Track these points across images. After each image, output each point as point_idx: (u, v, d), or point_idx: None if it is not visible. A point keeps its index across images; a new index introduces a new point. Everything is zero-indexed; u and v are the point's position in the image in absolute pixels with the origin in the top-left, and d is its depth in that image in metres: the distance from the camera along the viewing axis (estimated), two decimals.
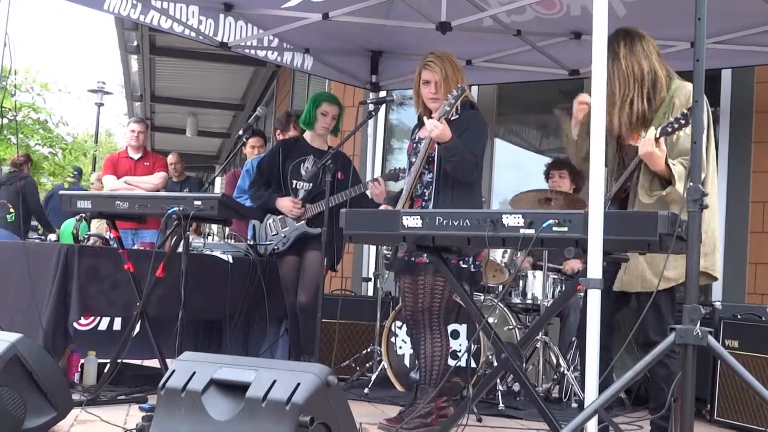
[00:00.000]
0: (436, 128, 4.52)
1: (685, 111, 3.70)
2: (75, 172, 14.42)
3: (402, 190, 4.94)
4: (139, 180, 7.95)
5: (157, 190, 7.81)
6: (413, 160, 4.80)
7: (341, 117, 6.02)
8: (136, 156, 8.09)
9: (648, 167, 3.84)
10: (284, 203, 5.83)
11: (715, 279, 3.96)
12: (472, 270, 4.73)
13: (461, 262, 4.62)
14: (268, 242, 5.93)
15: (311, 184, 5.86)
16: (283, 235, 5.86)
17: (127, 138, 8.16)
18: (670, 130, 3.70)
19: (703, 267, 3.74)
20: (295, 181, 5.90)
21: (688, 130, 3.74)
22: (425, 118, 4.66)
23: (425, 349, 4.68)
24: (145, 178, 7.97)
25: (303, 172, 5.88)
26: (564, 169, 6.51)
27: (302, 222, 5.82)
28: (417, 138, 4.88)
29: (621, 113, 3.92)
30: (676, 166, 3.75)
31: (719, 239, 3.99)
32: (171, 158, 9.85)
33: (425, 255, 4.48)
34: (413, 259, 4.63)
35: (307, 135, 6.04)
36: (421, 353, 4.70)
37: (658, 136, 3.71)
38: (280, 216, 5.88)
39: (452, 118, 4.62)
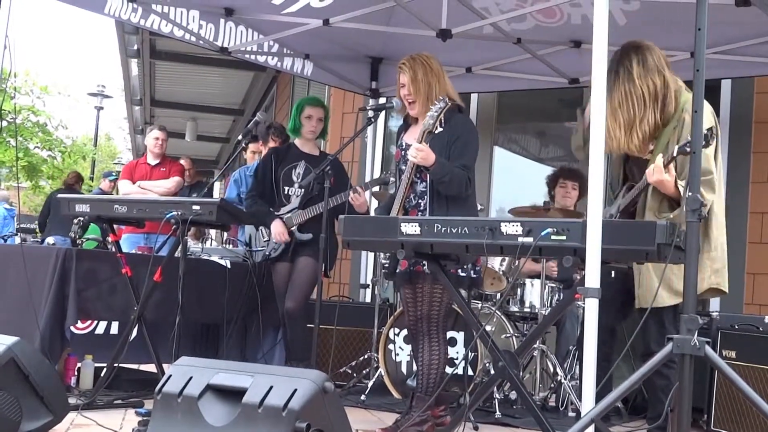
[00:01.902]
0: (420, 153, 4.52)
1: (706, 132, 3.69)
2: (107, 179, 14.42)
3: (392, 196, 4.94)
4: (152, 184, 7.99)
5: (172, 195, 7.84)
6: (402, 167, 4.79)
7: (327, 119, 6.03)
8: (153, 162, 8.14)
9: (657, 189, 3.85)
10: (275, 229, 5.85)
11: (724, 293, 3.96)
12: (473, 276, 4.72)
13: (460, 271, 4.61)
14: (260, 248, 5.95)
15: (303, 190, 5.87)
16: (274, 241, 5.89)
17: (150, 145, 8.20)
18: (689, 149, 3.70)
19: (715, 283, 3.76)
20: (287, 188, 5.93)
21: (708, 150, 3.74)
22: (414, 142, 4.63)
23: (423, 357, 4.67)
24: (158, 182, 8.02)
25: (294, 178, 5.91)
26: (577, 180, 6.42)
27: (293, 228, 5.85)
28: (404, 144, 4.86)
29: (637, 135, 3.91)
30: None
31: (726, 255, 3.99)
32: (183, 164, 9.95)
33: (424, 264, 4.48)
34: (412, 268, 4.63)
35: (297, 141, 6.07)
36: (419, 361, 4.70)
37: (675, 154, 3.71)
38: None
39: (437, 131, 4.64)
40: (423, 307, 4.65)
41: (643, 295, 3.90)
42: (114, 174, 12.96)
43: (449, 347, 5.74)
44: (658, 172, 3.76)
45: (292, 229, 5.86)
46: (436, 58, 4.84)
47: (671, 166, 3.75)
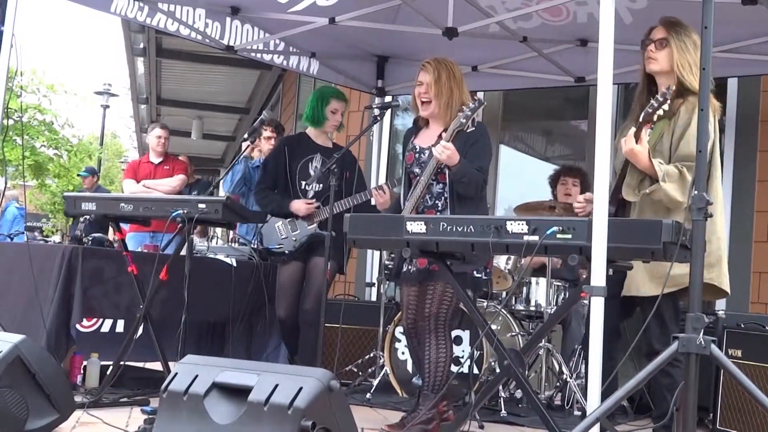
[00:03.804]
0: (446, 151, 4.52)
1: (665, 90, 3.71)
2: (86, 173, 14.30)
3: (399, 198, 4.93)
4: (157, 183, 7.99)
5: (177, 193, 7.83)
6: (416, 170, 4.78)
7: (345, 112, 5.95)
8: (156, 160, 8.15)
9: (635, 166, 3.85)
10: (298, 206, 5.69)
11: (725, 294, 3.91)
12: (484, 278, 4.74)
13: (476, 272, 4.63)
14: (277, 246, 5.79)
15: (320, 185, 5.72)
16: (294, 238, 5.73)
17: (153, 144, 8.20)
18: (650, 110, 3.71)
19: (707, 279, 3.71)
20: (303, 182, 5.74)
21: (692, 127, 3.73)
22: (440, 143, 4.62)
23: (429, 354, 4.67)
24: (162, 180, 8.02)
25: (311, 172, 5.74)
26: (578, 177, 6.46)
27: (314, 225, 5.71)
28: (418, 147, 4.86)
29: None
30: (662, 164, 3.75)
31: (725, 250, 3.96)
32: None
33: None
34: (429, 266, 4.62)
35: (311, 132, 5.88)
36: (425, 359, 4.69)
37: (641, 120, 3.72)
38: (289, 219, 5.76)
39: (468, 130, 4.65)
40: (432, 306, 4.65)
41: (627, 284, 3.90)
42: (85, 171, 12.82)
43: (455, 345, 5.76)
44: (629, 142, 3.76)
45: (313, 226, 5.74)
46: (459, 67, 4.85)
47: (643, 137, 3.75)
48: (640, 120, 3.76)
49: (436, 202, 4.72)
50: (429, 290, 4.68)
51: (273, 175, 5.85)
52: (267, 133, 7.18)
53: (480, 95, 4.77)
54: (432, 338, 4.67)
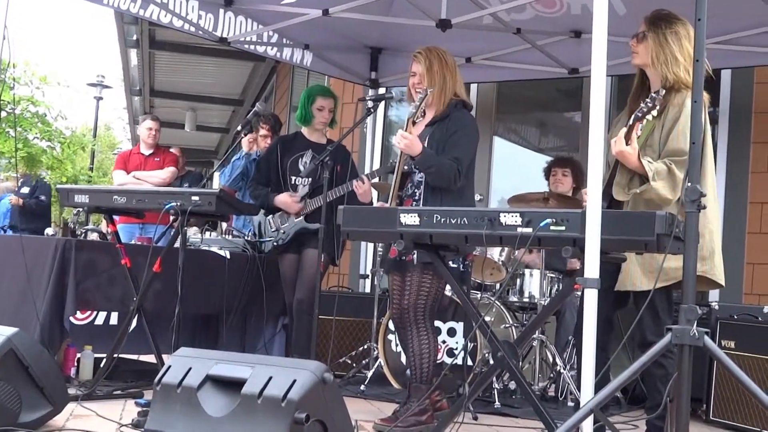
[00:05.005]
0: (404, 140, 4.52)
1: (654, 94, 3.71)
2: None
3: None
4: (147, 174, 7.97)
5: (166, 185, 7.81)
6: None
7: (337, 108, 6.01)
8: (147, 152, 8.13)
9: (625, 165, 3.85)
10: (282, 199, 5.81)
11: (719, 285, 3.91)
12: (461, 270, 4.73)
13: (451, 263, 4.61)
14: (267, 239, 5.91)
15: (310, 179, 5.82)
16: (282, 231, 5.84)
17: (143, 135, 8.19)
18: (640, 115, 3.71)
19: (701, 271, 3.71)
20: (294, 177, 5.86)
21: (680, 122, 3.73)
22: (398, 132, 4.61)
23: (413, 346, 4.66)
24: (153, 172, 8.00)
25: (301, 168, 5.85)
26: (567, 167, 6.50)
27: (301, 218, 5.78)
28: None
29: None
30: (652, 164, 3.75)
31: (718, 242, 3.96)
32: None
33: (414, 253, 4.49)
34: (402, 258, 4.63)
35: (304, 130, 6.01)
36: (410, 351, 4.69)
37: (631, 122, 3.72)
38: (279, 212, 5.87)
39: (419, 120, 4.64)
40: (410, 297, 4.65)
41: (622, 279, 3.90)
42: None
43: (449, 337, 5.76)
44: (619, 143, 3.76)
45: (300, 219, 5.79)
46: (451, 54, 4.84)
47: (633, 137, 3.75)
48: (630, 122, 3.76)
49: (415, 191, 4.72)
50: (407, 281, 4.68)
51: (266, 173, 5.99)
52: (263, 131, 7.16)
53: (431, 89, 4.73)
54: (413, 330, 4.67)
